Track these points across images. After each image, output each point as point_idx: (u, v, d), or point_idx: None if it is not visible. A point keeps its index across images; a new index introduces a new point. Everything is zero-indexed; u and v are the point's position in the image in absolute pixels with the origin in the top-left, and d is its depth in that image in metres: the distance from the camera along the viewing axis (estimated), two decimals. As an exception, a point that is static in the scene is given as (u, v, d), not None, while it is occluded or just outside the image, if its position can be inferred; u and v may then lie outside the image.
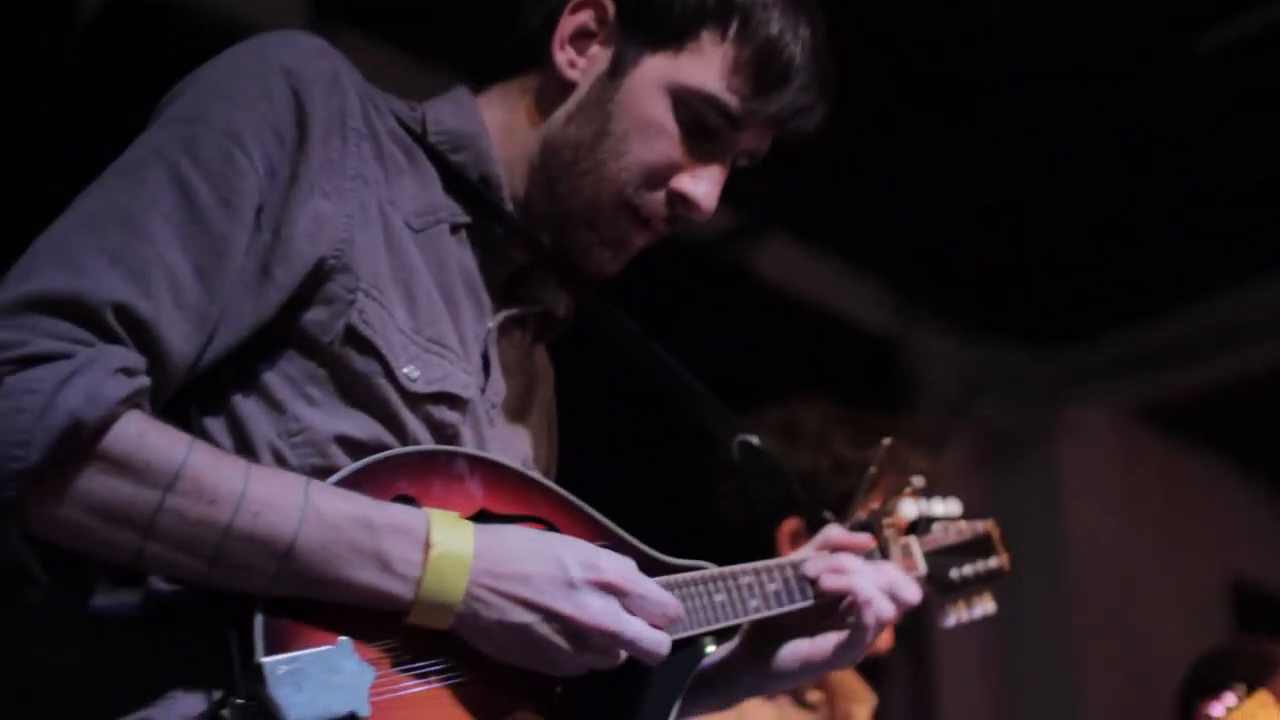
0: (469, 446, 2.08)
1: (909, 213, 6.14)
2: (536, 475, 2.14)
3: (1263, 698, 3.57)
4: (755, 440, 2.55)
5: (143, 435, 1.76)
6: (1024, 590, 7.06)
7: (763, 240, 6.21)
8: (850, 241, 6.51)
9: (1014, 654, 7.11)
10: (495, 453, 2.12)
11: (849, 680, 3.57)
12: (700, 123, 2.19)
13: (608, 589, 1.95)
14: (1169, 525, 7.61)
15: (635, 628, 1.97)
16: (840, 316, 6.70)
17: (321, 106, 1.98)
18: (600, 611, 1.94)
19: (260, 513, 1.79)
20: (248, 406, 1.94)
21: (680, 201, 2.20)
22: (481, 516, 1.98)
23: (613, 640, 1.95)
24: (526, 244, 2.23)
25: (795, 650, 2.38)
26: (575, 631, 1.93)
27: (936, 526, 2.71)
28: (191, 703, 1.80)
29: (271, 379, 1.95)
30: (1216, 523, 7.94)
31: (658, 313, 5.70)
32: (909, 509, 2.70)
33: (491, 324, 2.21)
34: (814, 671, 2.42)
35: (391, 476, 1.93)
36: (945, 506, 2.78)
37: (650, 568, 2.09)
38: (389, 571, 1.84)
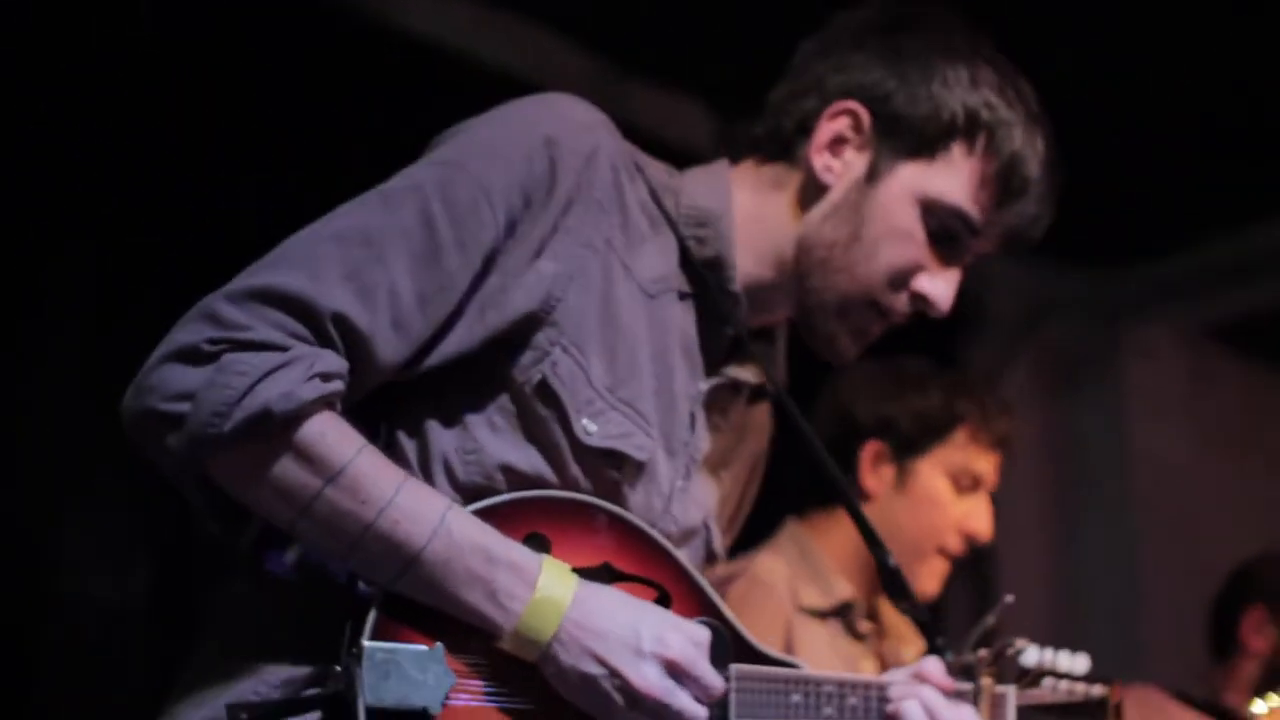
0: (631, 503, 2.33)
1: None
2: (666, 543, 2.35)
3: None
4: (894, 562, 2.67)
5: (324, 433, 2.07)
6: (1090, 511, 7.04)
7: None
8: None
9: (1078, 576, 7.09)
10: (678, 506, 2.41)
11: (901, 621, 3.61)
12: (945, 231, 2.43)
13: (668, 665, 2.17)
14: (1237, 443, 7.56)
15: (684, 703, 2.18)
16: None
17: (572, 177, 2.25)
18: (657, 685, 2.16)
19: (400, 521, 2.08)
20: (437, 423, 2.23)
21: (921, 300, 2.45)
22: (605, 568, 2.25)
23: (662, 708, 2.17)
24: (749, 323, 2.49)
25: None
26: (631, 694, 2.15)
27: (1047, 682, 2.71)
28: (299, 664, 2.11)
29: (465, 403, 2.24)
30: (1286, 440, 7.88)
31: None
32: (1030, 658, 2.70)
33: (703, 385, 2.46)
34: None
35: (534, 514, 2.22)
36: (1071, 662, 2.74)
37: (744, 653, 2.37)
38: (495, 601, 2.11)
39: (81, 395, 4.19)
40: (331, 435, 2.08)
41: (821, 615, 3.47)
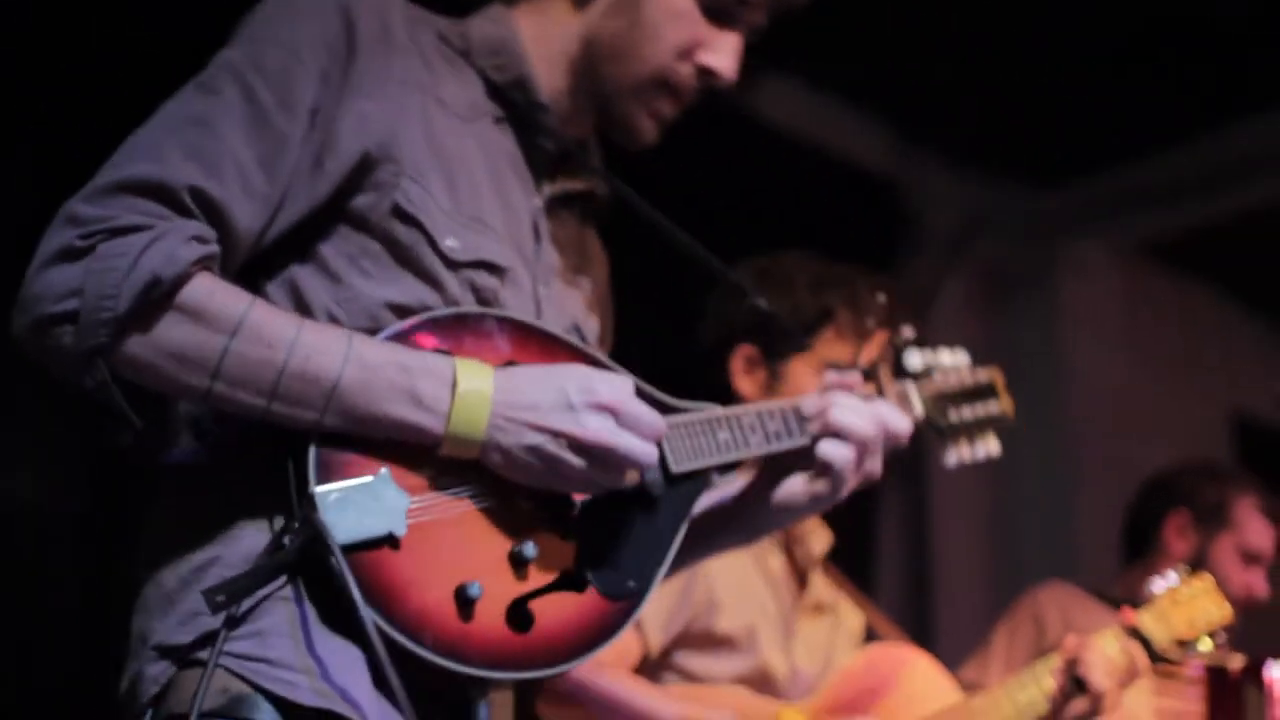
0: (510, 309, 2.42)
1: (906, 50, 6.08)
2: (558, 332, 2.47)
3: (1206, 582, 3.62)
4: (744, 284, 2.92)
5: (211, 291, 2.14)
6: (1023, 427, 7.09)
7: (761, 81, 6.16)
8: (848, 81, 6.47)
9: (1011, 491, 7.15)
10: (549, 310, 2.53)
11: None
12: (716, 5, 2.57)
13: (603, 409, 2.26)
14: (1171, 361, 7.63)
15: (628, 440, 2.27)
16: (839, 157, 6.67)
17: (367, 23, 2.38)
18: (598, 428, 2.25)
19: (310, 356, 2.14)
20: (308, 279, 2.32)
21: (706, 72, 2.59)
22: (507, 366, 2.31)
23: (608, 452, 2.26)
24: (559, 132, 2.60)
25: (799, 485, 2.70)
26: (578, 446, 2.24)
27: (937, 374, 2.99)
28: (256, 538, 2.18)
29: (330, 254, 2.33)
30: (1219, 357, 7.95)
31: (657, 155, 5.67)
32: (914, 359, 2.99)
33: (538, 199, 2.58)
34: (822, 504, 2.70)
35: (429, 335, 2.28)
36: (952, 357, 3.04)
37: (658, 408, 2.40)
38: (421, 407, 2.18)
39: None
40: (220, 292, 2.15)
41: None
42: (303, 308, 2.29)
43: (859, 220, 6.60)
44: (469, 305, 2.37)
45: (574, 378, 2.29)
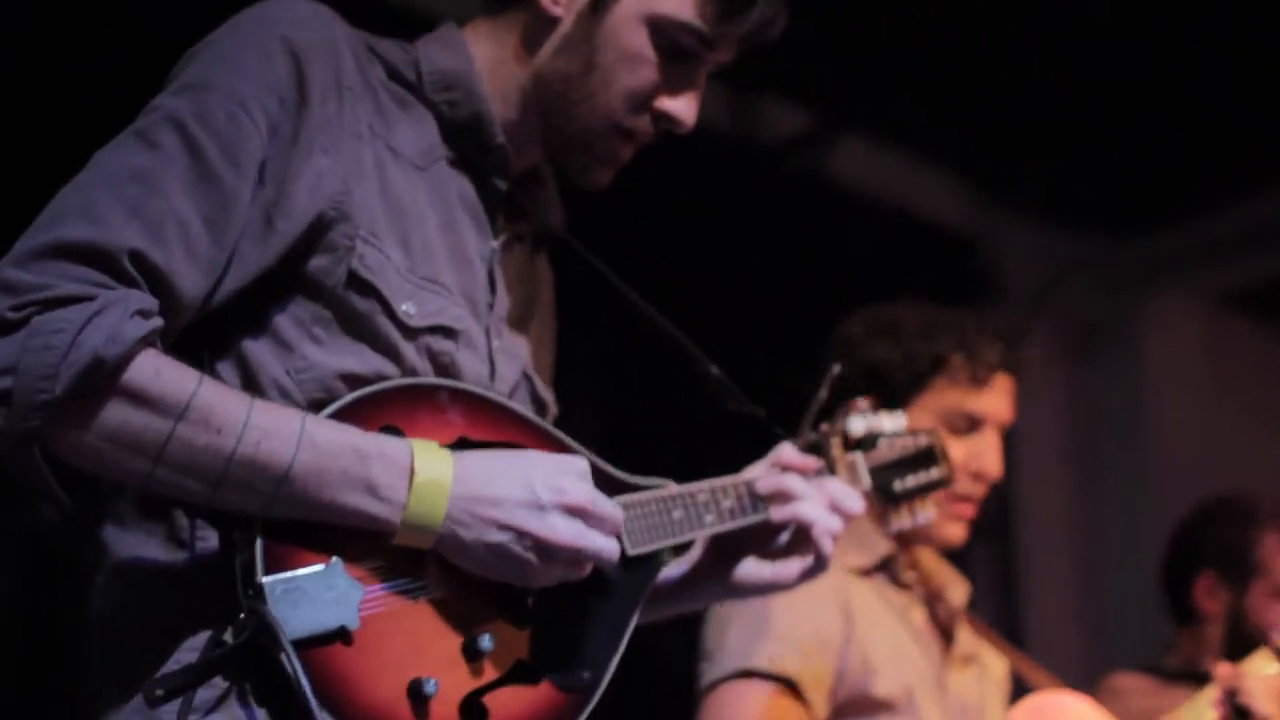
0: (465, 373, 2.32)
1: (981, 105, 6.10)
2: (510, 403, 2.37)
3: (1265, 656, 3.57)
4: (709, 364, 2.83)
5: (158, 371, 1.97)
6: (1109, 479, 7.08)
7: (836, 143, 6.20)
8: (923, 138, 6.48)
9: (1100, 542, 7.12)
10: (502, 365, 2.42)
11: (940, 566, 3.68)
12: (677, 47, 2.41)
13: (571, 510, 2.17)
14: (1255, 408, 7.57)
15: (597, 542, 2.20)
16: (917, 215, 6.68)
17: (318, 70, 2.19)
18: (566, 531, 2.16)
19: (261, 441, 1.99)
20: (257, 348, 2.16)
21: (664, 118, 2.45)
22: (460, 443, 2.20)
23: (577, 554, 2.18)
24: (515, 171, 2.47)
25: (759, 571, 2.68)
26: (544, 549, 2.15)
27: (882, 442, 2.96)
28: (198, 629, 2.04)
29: (281, 322, 2.18)
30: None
31: (738, 224, 5.75)
32: (856, 425, 2.94)
33: (494, 244, 2.46)
34: (781, 588, 2.71)
35: (379, 408, 2.16)
36: (892, 422, 3.00)
37: (612, 486, 2.37)
38: (376, 496, 2.06)
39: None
40: (166, 371, 1.98)
41: (867, 573, 3.53)
42: (250, 378, 2.15)
43: (939, 277, 6.59)
44: (422, 376, 2.26)
45: (540, 472, 2.18)
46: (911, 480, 3.00)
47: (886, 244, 6.40)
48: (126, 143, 2.09)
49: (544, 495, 2.15)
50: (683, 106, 2.45)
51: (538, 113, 2.44)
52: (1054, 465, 7.24)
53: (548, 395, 2.59)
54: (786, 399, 2.91)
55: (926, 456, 3.03)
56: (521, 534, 2.14)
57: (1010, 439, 7.14)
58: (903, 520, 3.06)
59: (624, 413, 4.93)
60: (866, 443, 2.93)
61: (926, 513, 3.05)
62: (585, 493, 2.20)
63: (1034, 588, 6.88)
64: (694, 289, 5.10)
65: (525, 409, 2.43)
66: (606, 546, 2.22)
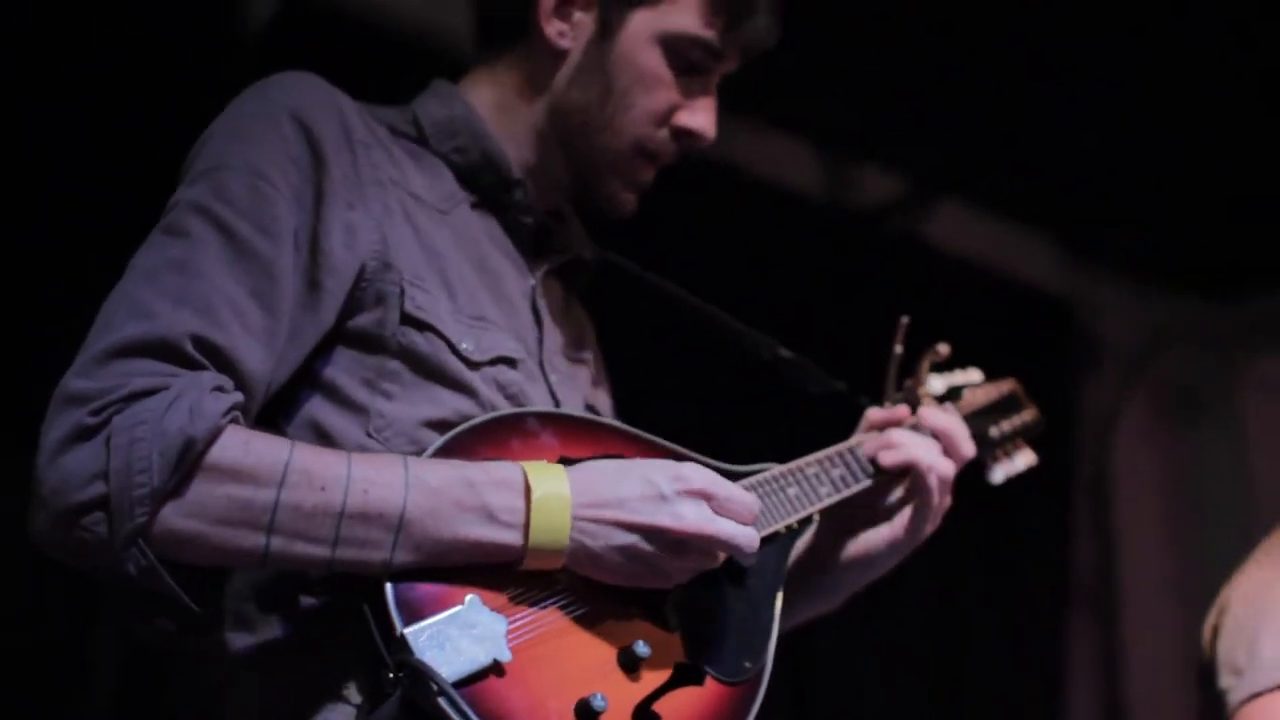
0: (533, 402, 2.29)
1: (1078, 167, 6.07)
2: (600, 417, 2.37)
3: None
4: (781, 349, 2.79)
5: (247, 442, 1.94)
6: (1212, 545, 6.97)
7: (932, 207, 6.20)
8: (1020, 201, 6.46)
9: (1205, 612, 7.02)
10: (565, 395, 2.39)
11: None
12: (689, 63, 2.44)
13: (698, 495, 2.11)
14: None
15: (728, 528, 2.13)
16: (1015, 279, 6.66)
17: (327, 129, 2.19)
18: (695, 518, 2.10)
19: (369, 490, 1.96)
20: (332, 417, 2.14)
21: (685, 135, 2.47)
22: (563, 463, 2.15)
23: (709, 542, 2.12)
24: (539, 207, 2.47)
25: (878, 535, 2.60)
26: (675, 541, 2.09)
27: (965, 393, 2.90)
28: (339, 710, 2.02)
29: (347, 385, 2.16)
30: None
31: (836, 288, 5.74)
32: (936, 385, 2.87)
33: (533, 280, 2.46)
34: (902, 551, 2.62)
35: (472, 446, 2.11)
36: (966, 375, 2.95)
37: (726, 479, 2.26)
38: (497, 522, 2.01)
39: None
40: (255, 443, 1.95)
41: None
42: (332, 448, 2.09)
43: (1038, 341, 6.58)
44: (504, 408, 2.23)
45: (657, 466, 2.14)
46: (1006, 424, 2.93)
47: (984, 308, 6.38)
48: (155, 241, 2.08)
49: (665, 486, 2.10)
50: (702, 121, 2.47)
51: (556, 148, 2.46)
52: (1157, 532, 7.17)
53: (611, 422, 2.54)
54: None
55: (1012, 401, 2.97)
56: (649, 530, 2.08)
57: (1108, 504, 7.11)
58: (1005, 466, 2.94)
59: (701, 419, 4.91)
60: (950, 395, 2.88)
61: (1026, 457, 2.96)
62: (706, 476, 2.14)
63: (1137, 659, 6.79)
64: (706, 385, 5.12)
65: (614, 420, 2.40)
66: (740, 532, 2.15)
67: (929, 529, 2.60)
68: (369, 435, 2.13)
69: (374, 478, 1.97)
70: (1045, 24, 5.15)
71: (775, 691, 2.29)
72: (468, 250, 2.35)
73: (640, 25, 2.42)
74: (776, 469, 2.45)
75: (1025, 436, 2.97)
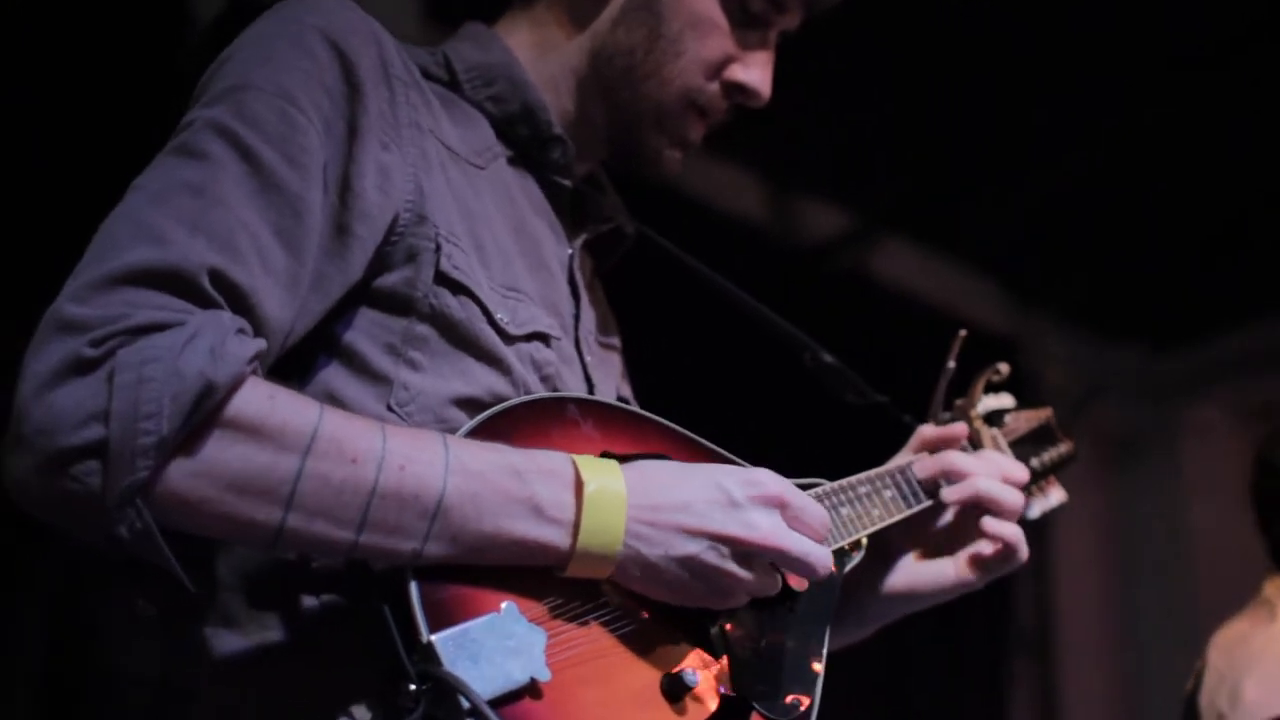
0: (568, 385, 2.03)
1: (1024, 214, 6.11)
2: (642, 411, 2.04)
3: None
4: (822, 352, 2.59)
5: (273, 397, 1.62)
6: (1147, 588, 7.02)
7: (878, 244, 6.21)
8: (966, 244, 6.49)
9: (1139, 653, 7.05)
10: (599, 381, 2.13)
11: None
12: (748, 13, 2.17)
13: (773, 503, 1.85)
14: (1294, 522, 7.52)
15: (802, 543, 1.86)
16: (958, 318, 6.67)
17: (364, 56, 1.87)
18: (770, 528, 1.83)
19: (405, 467, 1.65)
20: (348, 386, 1.83)
21: (738, 90, 2.19)
22: (606, 458, 1.86)
23: (782, 556, 1.85)
24: (578, 167, 2.22)
25: (941, 572, 2.33)
26: (744, 553, 1.83)
27: (1008, 418, 2.67)
28: (351, 708, 1.70)
29: (368, 351, 1.85)
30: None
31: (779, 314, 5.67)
32: (981, 405, 2.67)
33: (571, 249, 2.19)
34: (970, 587, 2.36)
35: (507, 430, 1.82)
36: (999, 400, 2.72)
37: None
38: (544, 518, 1.72)
39: None
40: (282, 398, 1.63)
41: None
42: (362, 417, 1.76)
43: (975, 378, 6.59)
44: (540, 390, 1.96)
45: (724, 470, 1.85)
46: (1046, 456, 2.65)
47: (928, 346, 6.39)
48: (165, 163, 1.75)
49: (737, 491, 1.82)
50: (757, 76, 2.19)
51: (598, 95, 2.17)
52: (1095, 575, 7.19)
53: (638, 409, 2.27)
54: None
55: (1048, 432, 2.70)
56: (717, 538, 1.80)
57: (1048, 548, 7.13)
58: (1040, 502, 2.66)
59: (721, 418, 4.86)
60: (994, 419, 2.61)
61: (1059, 494, 2.68)
62: (781, 483, 1.87)
63: (1073, 698, 6.82)
64: (730, 383, 5.08)
65: (657, 416, 2.08)
66: (815, 550, 1.87)
67: (1006, 568, 2.33)
68: (390, 409, 1.82)
69: (412, 454, 1.66)
70: (998, 69, 5.18)
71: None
72: (505, 210, 2.06)
73: None
74: (827, 485, 2.16)
75: (1059, 471, 2.71)
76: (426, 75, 2.07)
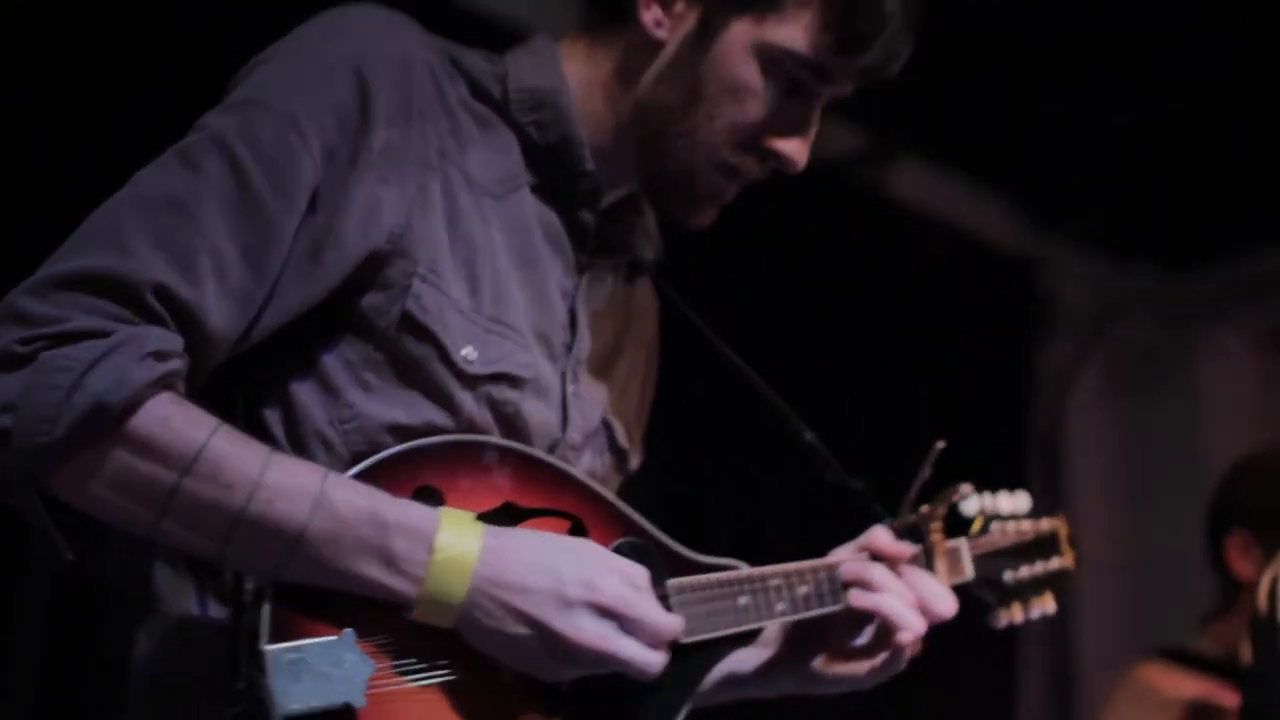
0: (530, 421, 2.14)
1: (1045, 132, 6.07)
2: (569, 468, 2.16)
3: None
4: (807, 432, 2.56)
5: (166, 419, 1.82)
6: (1161, 510, 7.01)
7: (895, 162, 6.18)
8: (985, 162, 6.44)
9: (1150, 577, 7.06)
10: (576, 414, 2.22)
11: None
12: (790, 81, 2.20)
13: (604, 612, 1.97)
14: (1308, 445, 7.51)
15: (628, 650, 1.98)
16: (976, 238, 6.66)
17: (386, 89, 2.03)
18: (593, 635, 1.96)
19: (273, 500, 1.84)
20: (303, 392, 2.02)
21: (774, 157, 2.23)
22: (507, 509, 2.03)
23: (603, 660, 1.97)
24: (607, 200, 2.29)
25: (833, 665, 2.44)
26: (566, 650, 1.95)
27: (995, 526, 2.65)
28: (196, 699, 1.94)
29: (329, 363, 2.03)
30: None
31: (794, 238, 5.72)
32: (970, 506, 2.64)
33: (579, 279, 2.28)
34: (855, 685, 2.44)
35: (419, 466, 1.98)
36: (1012, 503, 2.69)
37: (676, 566, 2.17)
38: (394, 569, 1.88)
39: None
40: (177, 419, 1.84)
41: None
42: (293, 424, 2.02)
43: (995, 301, 6.59)
44: (471, 433, 2.07)
45: (574, 562, 1.97)
46: (1026, 571, 2.65)
47: (944, 265, 6.38)
48: (168, 163, 1.96)
49: (572, 591, 1.95)
50: (794, 146, 2.23)
51: (635, 141, 2.25)
52: (1108, 496, 7.19)
53: (629, 443, 2.39)
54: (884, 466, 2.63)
55: (1047, 544, 2.69)
56: (543, 630, 1.93)
57: (1061, 470, 7.13)
58: (1012, 614, 2.66)
59: (710, 477, 4.83)
60: (977, 527, 2.63)
61: (1045, 606, 2.67)
62: (622, 594, 1.99)
63: (1085, 618, 6.82)
64: (748, 302, 5.07)
65: (587, 470, 2.24)
66: (640, 656, 1.99)
67: (883, 677, 2.43)
68: (331, 423, 2.02)
69: (283, 488, 1.85)
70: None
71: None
72: (514, 240, 2.18)
73: (742, 32, 2.17)
74: (741, 572, 2.26)
75: (1050, 585, 2.69)
76: (475, 92, 2.19)
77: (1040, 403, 6.93)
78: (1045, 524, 2.71)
